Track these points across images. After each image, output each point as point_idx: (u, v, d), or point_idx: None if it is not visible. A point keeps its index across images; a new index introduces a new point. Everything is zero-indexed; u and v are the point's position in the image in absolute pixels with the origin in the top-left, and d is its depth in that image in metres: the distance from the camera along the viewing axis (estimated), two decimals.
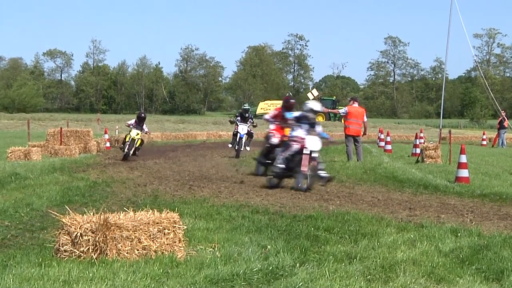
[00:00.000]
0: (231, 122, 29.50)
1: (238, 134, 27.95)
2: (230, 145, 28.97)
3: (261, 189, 16.03)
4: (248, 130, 28.35)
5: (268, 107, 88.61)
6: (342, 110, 25.32)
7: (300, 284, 7.22)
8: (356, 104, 24.74)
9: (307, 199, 14.53)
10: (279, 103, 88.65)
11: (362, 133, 24.74)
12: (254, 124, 28.46)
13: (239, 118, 28.64)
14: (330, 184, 17.17)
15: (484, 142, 44.24)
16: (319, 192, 15.78)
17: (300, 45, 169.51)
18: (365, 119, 24.54)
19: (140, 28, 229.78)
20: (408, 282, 7.43)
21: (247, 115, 28.69)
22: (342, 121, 35.49)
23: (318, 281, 7.34)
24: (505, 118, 41.52)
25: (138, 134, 25.72)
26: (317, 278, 7.46)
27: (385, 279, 7.61)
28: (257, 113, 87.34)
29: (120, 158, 25.49)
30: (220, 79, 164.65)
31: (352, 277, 7.58)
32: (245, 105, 30.39)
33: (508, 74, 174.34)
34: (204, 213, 12.02)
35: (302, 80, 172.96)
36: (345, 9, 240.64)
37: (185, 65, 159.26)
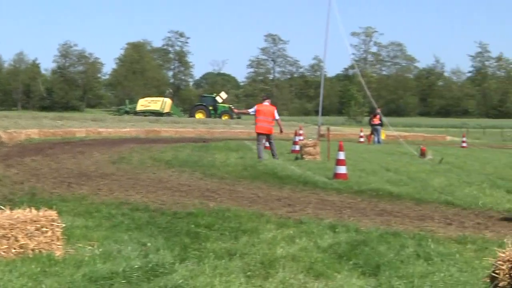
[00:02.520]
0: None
1: None
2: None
3: (141, 187, 15.92)
4: None
5: (148, 104, 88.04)
6: (251, 110, 25.25)
7: (180, 281, 7.20)
8: (267, 102, 24.61)
9: (188, 196, 14.51)
10: (159, 100, 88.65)
11: (280, 131, 24.78)
12: None
13: None
14: (211, 181, 17.22)
15: (362, 139, 45.14)
16: (200, 189, 15.79)
17: (180, 41, 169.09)
18: (277, 116, 24.33)
19: (17, 23, 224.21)
20: (287, 278, 7.51)
21: None
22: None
23: (198, 278, 7.34)
24: (379, 115, 42.41)
25: None
26: (197, 275, 7.46)
27: (265, 275, 7.67)
28: (137, 110, 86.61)
29: None
30: (99, 75, 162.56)
31: (233, 273, 7.61)
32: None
33: (384, 72, 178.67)
34: (83, 210, 11.87)
35: (183, 77, 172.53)
36: (225, 6, 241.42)
37: (64, 61, 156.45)
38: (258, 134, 24.21)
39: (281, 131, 25.08)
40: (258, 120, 24.05)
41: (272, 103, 25.15)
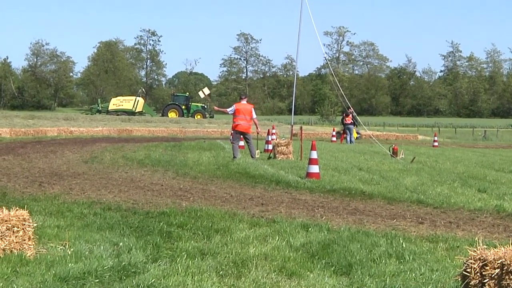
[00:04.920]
0: None
1: None
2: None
3: (113, 186, 15.87)
4: None
5: (121, 103, 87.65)
6: (230, 109, 25.19)
7: (152, 281, 7.18)
8: (244, 101, 24.61)
9: (160, 195, 14.48)
10: (131, 99, 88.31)
11: (258, 130, 24.82)
12: None
13: None
14: (183, 180, 17.21)
15: (334, 139, 45.28)
16: (172, 188, 15.76)
17: (152, 40, 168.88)
18: (254, 115, 24.37)
19: None
20: (260, 277, 7.52)
21: None
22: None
23: (170, 278, 7.32)
24: (350, 114, 42.54)
25: None
26: (170, 275, 7.44)
27: (237, 274, 7.67)
28: (109, 109, 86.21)
29: None
30: (71, 74, 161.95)
31: (205, 273, 7.61)
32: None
33: (356, 72, 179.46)
34: (54, 210, 11.81)
35: (155, 76, 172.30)
36: (197, 4, 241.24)
37: (35, 59, 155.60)
38: (236, 132, 24.23)
39: (257, 130, 25.13)
40: (237, 119, 24.04)
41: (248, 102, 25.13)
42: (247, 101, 24.68)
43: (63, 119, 65.62)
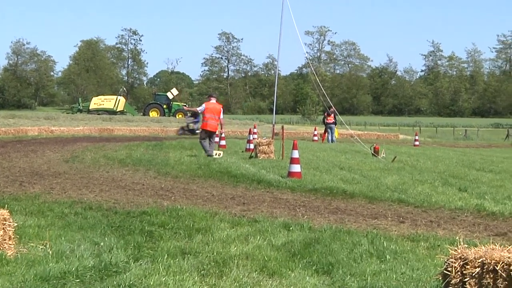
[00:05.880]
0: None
1: None
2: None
3: (94, 186, 15.82)
4: None
5: (102, 102, 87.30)
6: (200, 108, 25.31)
7: (133, 281, 7.17)
8: (213, 100, 24.78)
9: (142, 195, 14.45)
10: (112, 98, 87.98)
11: (221, 131, 25.00)
12: None
13: None
14: (165, 179, 17.22)
15: (316, 138, 45.33)
16: (154, 188, 15.73)
17: (134, 39, 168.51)
18: (221, 115, 24.63)
19: None
20: (241, 276, 7.52)
21: None
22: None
23: (152, 277, 7.31)
24: (331, 114, 42.57)
25: None
26: (151, 274, 7.43)
27: (219, 273, 7.66)
28: (90, 108, 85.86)
29: None
30: (52, 73, 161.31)
31: (186, 272, 7.60)
32: None
33: (338, 71, 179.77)
34: (35, 210, 11.76)
35: (136, 75, 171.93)
36: (179, 3, 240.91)
37: (16, 59, 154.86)
38: (204, 131, 24.46)
39: (221, 130, 25.34)
40: (207, 118, 24.34)
41: (225, 102, 25.27)
42: (216, 100, 25.01)
43: (44, 118, 65.28)
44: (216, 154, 24.09)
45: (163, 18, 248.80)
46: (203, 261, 8.17)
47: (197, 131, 39.94)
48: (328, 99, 35.09)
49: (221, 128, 25.31)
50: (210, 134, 24.48)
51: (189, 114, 38.99)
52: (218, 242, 9.26)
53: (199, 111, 25.21)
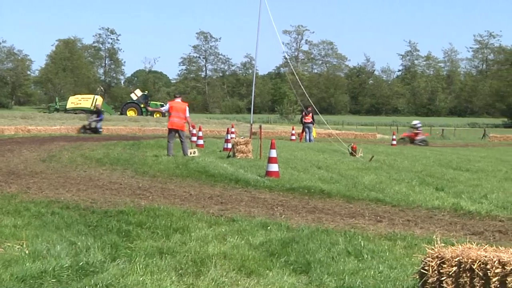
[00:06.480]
0: None
1: None
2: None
3: (71, 185, 15.75)
4: None
5: (79, 101, 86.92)
6: (164, 108, 25.48)
7: (111, 280, 7.14)
8: (179, 99, 24.94)
9: (119, 194, 14.40)
10: (90, 97, 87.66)
11: (189, 129, 25.04)
12: None
13: None
14: (142, 179, 17.19)
15: (293, 137, 45.37)
16: (131, 187, 15.69)
17: (111, 39, 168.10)
18: (187, 114, 24.75)
19: None
20: (219, 276, 7.51)
21: None
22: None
23: (129, 277, 7.29)
24: (309, 113, 42.62)
25: None
26: (129, 274, 7.41)
27: (196, 273, 7.65)
28: (67, 107, 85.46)
29: None
30: (29, 72, 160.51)
31: (164, 272, 7.58)
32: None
33: (316, 71, 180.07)
34: (12, 209, 11.70)
35: (114, 75, 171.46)
36: (156, 2, 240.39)
37: None
38: (170, 130, 24.81)
39: (189, 128, 25.40)
40: (171, 116, 24.73)
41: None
42: (182, 100, 25.24)
43: (21, 117, 64.96)
44: (190, 153, 24.07)
45: (141, 17, 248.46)
46: (181, 260, 8.15)
47: (99, 130, 45.18)
48: (308, 98, 35.12)
49: (189, 126, 25.45)
50: (177, 132, 24.59)
51: (91, 114, 43.73)
52: (195, 241, 9.25)
53: (164, 111, 25.41)
